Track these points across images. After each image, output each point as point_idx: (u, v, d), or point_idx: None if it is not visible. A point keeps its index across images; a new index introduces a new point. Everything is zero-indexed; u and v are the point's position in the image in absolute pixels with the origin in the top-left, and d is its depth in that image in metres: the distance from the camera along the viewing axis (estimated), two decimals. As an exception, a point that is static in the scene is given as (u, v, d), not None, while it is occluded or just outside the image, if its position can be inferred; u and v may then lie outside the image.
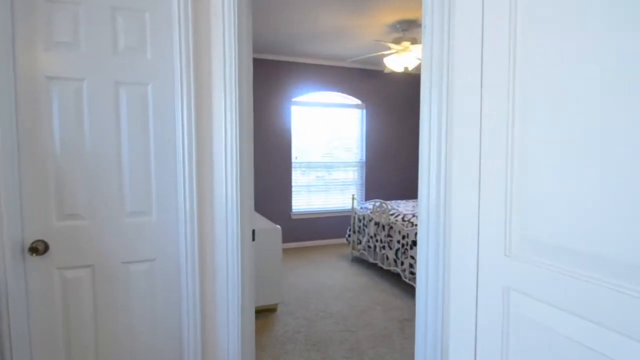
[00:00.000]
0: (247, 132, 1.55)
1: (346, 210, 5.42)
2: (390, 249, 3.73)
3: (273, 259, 2.93)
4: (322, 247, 5.17)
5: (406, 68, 3.96)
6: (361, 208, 4.41)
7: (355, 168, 5.55)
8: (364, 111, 5.46)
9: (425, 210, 1.22)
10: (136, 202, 1.43)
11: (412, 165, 5.84)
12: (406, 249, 3.48)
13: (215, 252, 1.49)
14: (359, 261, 4.48)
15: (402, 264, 3.54)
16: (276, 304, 2.99)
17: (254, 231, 1.58)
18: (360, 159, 5.55)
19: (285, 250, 4.94)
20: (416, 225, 3.37)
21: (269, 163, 4.94)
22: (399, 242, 3.60)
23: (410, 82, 5.69)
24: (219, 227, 1.48)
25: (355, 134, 5.51)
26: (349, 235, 4.63)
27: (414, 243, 3.36)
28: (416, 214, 3.49)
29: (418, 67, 5.13)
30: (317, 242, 5.31)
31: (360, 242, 4.35)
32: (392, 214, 3.79)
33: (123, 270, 1.45)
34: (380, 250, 3.89)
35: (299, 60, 4.97)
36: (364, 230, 4.27)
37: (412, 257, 3.38)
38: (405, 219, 3.59)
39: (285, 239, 5.06)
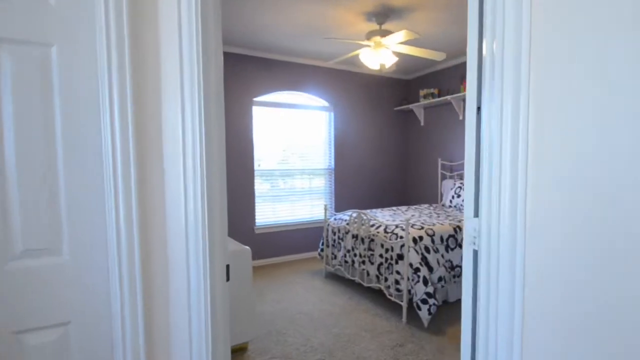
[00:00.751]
0: (216, 123, 1.07)
1: (316, 222, 4.99)
2: (372, 264, 3.35)
3: (242, 288, 2.41)
4: (291, 263, 4.68)
5: (382, 66, 3.65)
6: (335, 219, 3.99)
7: (324, 175, 5.14)
8: (332, 114, 5.09)
9: (501, 229, 0.81)
10: (33, 235, 0.89)
11: (386, 172, 5.56)
12: (390, 263, 3.11)
13: (171, 305, 0.98)
14: (334, 278, 4.05)
15: (386, 280, 3.17)
16: (246, 343, 2.46)
17: (228, 267, 1.09)
18: (329, 166, 5.16)
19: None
20: (402, 237, 3.02)
21: (228, 171, 4.39)
22: (381, 256, 3.23)
23: (383, 83, 5.42)
24: (176, 267, 0.98)
25: (323, 139, 5.11)
26: (322, 250, 4.19)
27: (400, 257, 3.00)
28: (400, 225, 3.14)
29: (396, 67, 4.82)
30: (286, 258, 4.81)
31: (335, 257, 3.92)
32: (372, 225, 3.41)
33: (14, 345, 0.89)
34: (360, 266, 3.50)
35: (260, 55, 4.50)
36: (339, 244, 3.85)
37: (398, 273, 3.02)
38: (388, 230, 3.23)
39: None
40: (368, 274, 3.40)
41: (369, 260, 3.38)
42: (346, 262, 3.72)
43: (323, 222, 4.87)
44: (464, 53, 4.54)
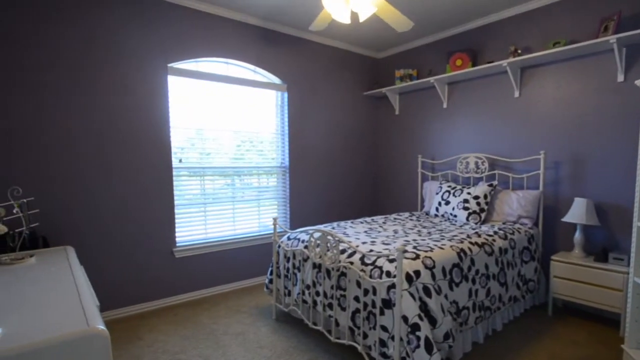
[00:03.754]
0: None
1: (261, 237, 3.81)
2: (343, 309, 2.26)
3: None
4: (228, 296, 3.45)
5: (355, 16, 2.55)
6: (289, 240, 2.84)
7: (276, 175, 3.97)
8: (286, 95, 3.93)
9: None
10: None
11: (354, 172, 4.48)
12: (372, 312, 2.04)
13: None
14: (289, 322, 2.90)
15: (365, 336, 2.09)
16: None
17: None
18: (282, 164, 4.00)
19: (164, 312, 3.11)
20: (389, 274, 1.95)
21: (132, 170, 3.07)
22: (357, 299, 2.14)
23: (350, 59, 4.33)
24: None
25: (275, 127, 3.94)
26: (270, 281, 3.03)
27: (386, 304, 1.94)
28: (385, 253, 2.05)
29: (363, 41, 3.54)
30: (222, 289, 3.58)
31: (288, 294, 2.78)
32: (342, 252, 2.31)
33: None
34: (325, 310, 2.39)
35: (180, 1, 3.21)
36: (294, 275, 2.71)
37: (384, 329, 1.95)
38: (367, 260, 2.15)
39: (165, 292, 3.23)
40: (337, 324, 2.30)
41: (339, 305, 2.28)
42: (305, 302, 2.60)
43: (272, 240, 3.72)
44: (451, 25, 3.57)
